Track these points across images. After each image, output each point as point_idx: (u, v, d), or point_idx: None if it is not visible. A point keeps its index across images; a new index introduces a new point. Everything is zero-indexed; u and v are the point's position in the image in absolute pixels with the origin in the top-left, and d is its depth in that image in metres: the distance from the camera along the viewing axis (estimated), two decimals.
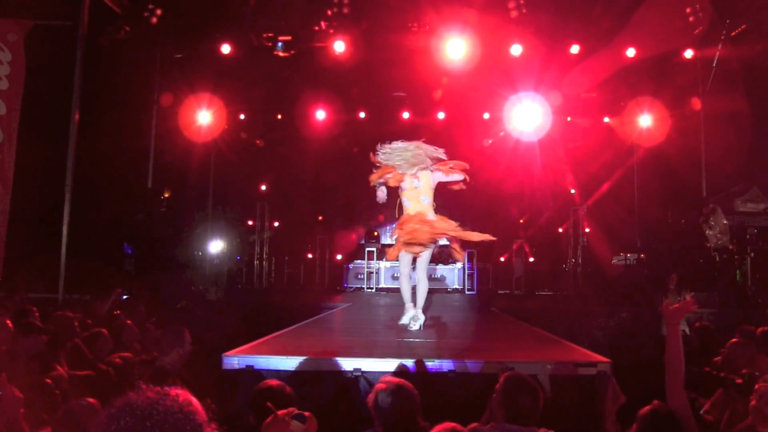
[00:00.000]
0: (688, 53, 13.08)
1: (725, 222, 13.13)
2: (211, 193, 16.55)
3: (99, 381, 4.83)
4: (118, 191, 12.22)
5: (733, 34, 12.61)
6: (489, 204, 19.70)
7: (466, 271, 16.58)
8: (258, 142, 18.16)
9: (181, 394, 1.56)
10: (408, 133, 17.23)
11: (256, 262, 17.42)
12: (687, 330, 9.92)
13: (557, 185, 19.01)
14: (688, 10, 12.14)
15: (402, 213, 7.58)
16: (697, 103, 13.97)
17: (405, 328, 7.40)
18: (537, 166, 17.71)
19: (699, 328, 6.86)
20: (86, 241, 10.54)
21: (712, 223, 13.24)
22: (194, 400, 1.59)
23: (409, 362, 5.16)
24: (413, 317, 7.49)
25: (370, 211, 19.17)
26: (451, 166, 7.61)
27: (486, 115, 16.69)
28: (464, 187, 7.76)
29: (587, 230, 17.02)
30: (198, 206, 15.92)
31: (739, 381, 3.98)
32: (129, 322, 6.56)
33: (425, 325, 7.79)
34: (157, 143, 13.37)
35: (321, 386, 5.03)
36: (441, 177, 7.58)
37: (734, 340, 5.69)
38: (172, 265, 12.84)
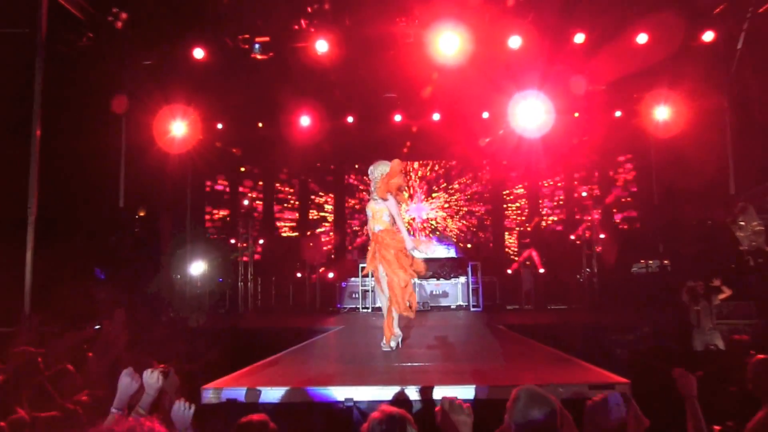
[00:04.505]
0: (708, 36, 12.95)
1: (759, 222, 13.02)
2: (189, 211, 16.49)
3: (67, 422, 4.78)
4: (87, 212, 12.16)
5: (761, 10, 12.44)
6: (491, 210, 19.74)
7: (471, 286, 16.51)
8: (234, 150, 18.18)
9: (156, 424, 1.78)
10: (400, 137, 17.53)
11: (240, 284, 17.35)
12: (720, 344, 9.90)
13: (567, 188, 19.00)
14: None
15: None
16: (720, 91, 13.91)
17: (403, 353, 7.52)
18: (543, 168, 17.70)
19: (735, 341, 6.76)
20: (53, 267, 10.48)
21: (743, 223, 13.14)
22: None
23: (408, 389, 5.15)
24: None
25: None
26: None
27: (485, 114, 16.76)
28: None
29: (602, 236, 16.97)
30: (175, 225, 15.85)
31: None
32: (90, 354, 6.52)
33: (426, 347, 8.12)
34: (128, 158, 13.34)
35: (310, 419, 5.03)
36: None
37: (759, 356, 5.58)
38: (148, 291, 12.80)
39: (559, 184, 19.75)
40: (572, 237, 18.13)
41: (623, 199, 18.79)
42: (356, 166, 20.34)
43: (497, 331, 10.92)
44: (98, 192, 12.68)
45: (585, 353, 7.36)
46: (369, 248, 8.14)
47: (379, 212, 7.96)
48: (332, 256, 19.98)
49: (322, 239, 19.83)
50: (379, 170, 8.01)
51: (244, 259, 17.27)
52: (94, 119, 12.17)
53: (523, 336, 9.76)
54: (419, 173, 20.44)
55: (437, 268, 17.46)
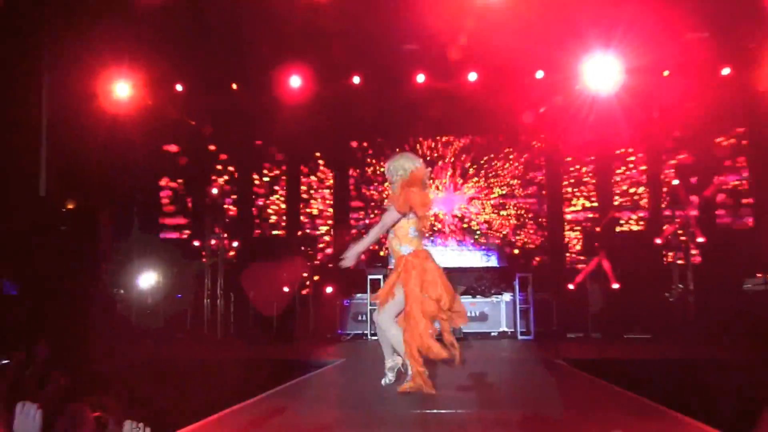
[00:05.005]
0: None
1: None
2: (136, 203, 16.49)
3: None
4: None
5: None
6: (549, 204, 19.63)
7: (518, 306, 16.55)
8: (193, 122, 18.19)
9: None
10: (423, 104, 17.43)
11: (206, 301, 17.38)
12: None
13: (651, 174, 18.84)
14: None
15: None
16: None
17: (426, 396, 7.51)
18: (618, 147, 17.54)
19: None
20: None
21: None
22: None
23: None
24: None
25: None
26: None
27: (539, 74, 16.79)
28: None
29: (701, 240, 16.86)
30: (118, 222, 15.87)
31: None
32: None
33: (456, 387, 8.19)
34: (51, 132, 13.32)
35: None
36: None
37: None
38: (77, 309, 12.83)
39: (642, 167, 19.58)
40: (658, 241, 17.99)
41: (731, 190, 18.58)
42: (364, 144, 20.32)
43: (554, 368, 11.04)
44: (10, 176, 12.72)
45: (677, 400, 7.29)
46: (389, 274, 8.06)
47: (403, 226, 7.79)
48: (329, 265, 19.98)
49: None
50: (398, 165, 7.83)
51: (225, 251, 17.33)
52: (4, 77, 12.14)
53: (590, 375, 9.77)
54: (448, 152, 20.33)
55: (473, 282, 17.43)
